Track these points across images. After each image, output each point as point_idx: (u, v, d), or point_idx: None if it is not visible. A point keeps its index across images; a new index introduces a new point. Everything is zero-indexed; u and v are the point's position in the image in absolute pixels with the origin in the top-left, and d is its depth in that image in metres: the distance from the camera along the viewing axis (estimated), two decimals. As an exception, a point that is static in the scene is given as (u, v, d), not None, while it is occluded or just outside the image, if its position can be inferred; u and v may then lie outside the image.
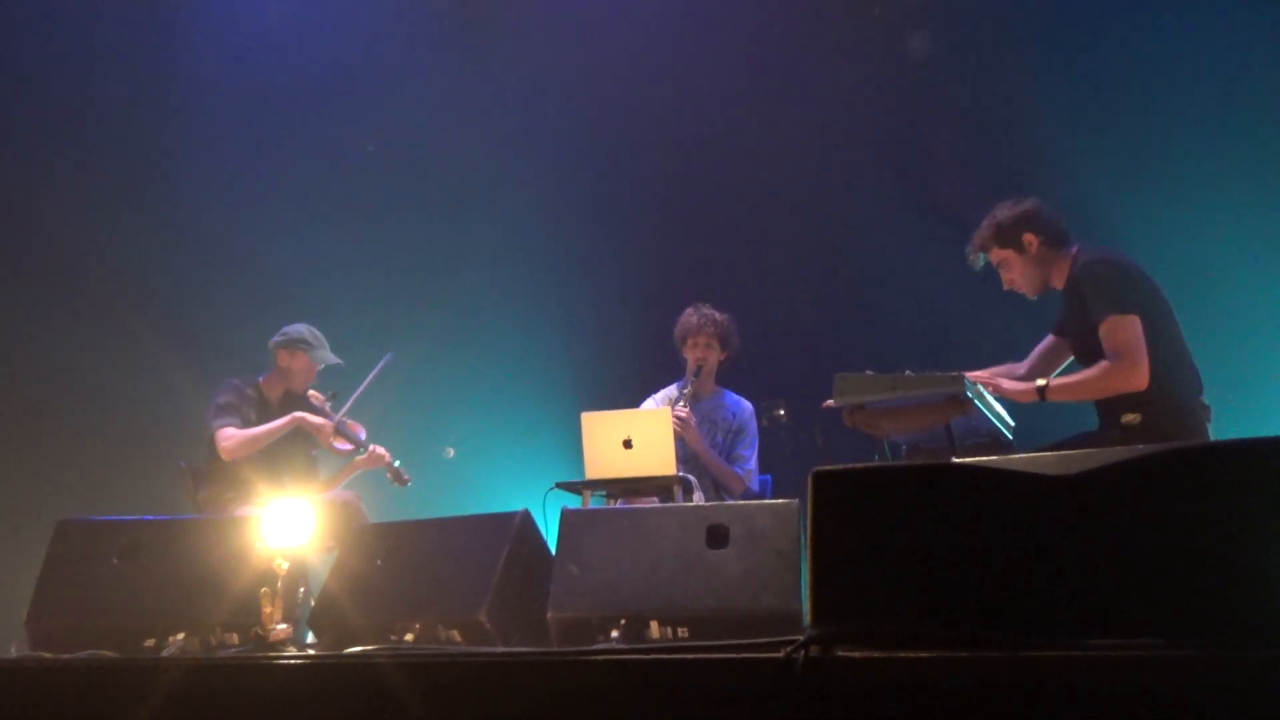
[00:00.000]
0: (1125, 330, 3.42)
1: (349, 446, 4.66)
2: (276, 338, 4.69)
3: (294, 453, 4.59)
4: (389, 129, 6.52)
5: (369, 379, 4.62)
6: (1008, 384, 3.56)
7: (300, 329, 4.68)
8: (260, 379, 4.71)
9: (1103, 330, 3.44)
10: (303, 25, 6.40)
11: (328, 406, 4.68)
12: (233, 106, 6.32)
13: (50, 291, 5.83)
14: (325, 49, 6.46)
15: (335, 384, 4.78)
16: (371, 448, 4.64)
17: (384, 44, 6.55)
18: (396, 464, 4.68)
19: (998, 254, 3.74)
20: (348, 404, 4.63)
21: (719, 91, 6.34)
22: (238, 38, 6.33)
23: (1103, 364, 3.44)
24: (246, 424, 4.50)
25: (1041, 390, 3.47)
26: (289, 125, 6.40)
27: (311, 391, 4.73)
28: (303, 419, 4.48)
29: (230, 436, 4.43)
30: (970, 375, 3.52)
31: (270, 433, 4.46)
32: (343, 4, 6.58)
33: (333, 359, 4.70)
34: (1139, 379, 3.39)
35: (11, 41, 5.90)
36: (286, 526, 3.02)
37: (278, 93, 6.38)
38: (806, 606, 1.76)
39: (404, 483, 4.68)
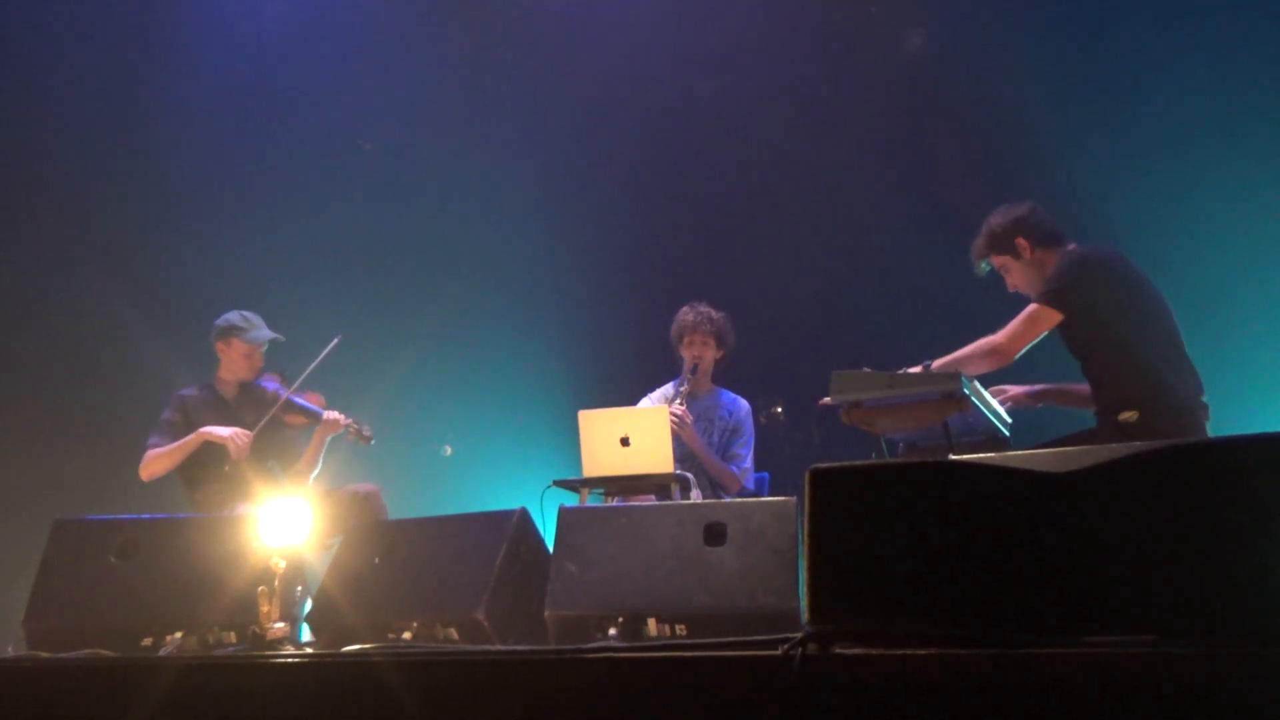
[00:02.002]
0: (1032, 318, 3.53)
1: (304, 421, 4.62)
2: (211, 334, 4.65)
3: (271, 440, 4.56)
4: (387, 127, 6.52)
5: (317, 360, 4.53)
6: (912, 371, 3.55)
7: (230, 316, 4.63)
8: (212, 380, 4.68)
9: (1027, 309, 3.55)
10: (299, 22, 6.39)
11: (284, 386, 4.64)
12: (230, 104, 6.31)
13: (46, 289, 5.82)
14: (323, 46, 6.45)
15: (284, 364, 4.70)
16: (325, 414, 4.58)
17: (382, 41, 6.54)
18: (357, 426, 4.62)
19: (996, 260, 3.83)
20: (295, 383, 4.56)
21: (716, 89, 6.33)
22: (235, 34, 6.32)
23: (983, 339, 3.56)
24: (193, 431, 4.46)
25: (926, 367, 3.50)
26: (287, 123, 6.39)
27: (268, 374, 4.68)
28: (209, 434, 4.36)
29: (151, 454, 4.41)
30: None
31: (176, 451, 4.38)
32: (341, 1, 6.58)
33: (269, 335, 4.62)
34: (999, 359, 3.54)
35: (2, 33, 5.88)
36: (283, 525, 3.02)
37: (276, 90, 6.37)
38: (804, 604, 1.76)
39: (366, 440, 4.62)
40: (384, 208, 6.47)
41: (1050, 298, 3.53)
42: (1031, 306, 3.56)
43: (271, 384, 4.64)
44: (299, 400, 4.58)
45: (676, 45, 6.37)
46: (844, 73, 6.11)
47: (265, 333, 4.62)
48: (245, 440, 4.35)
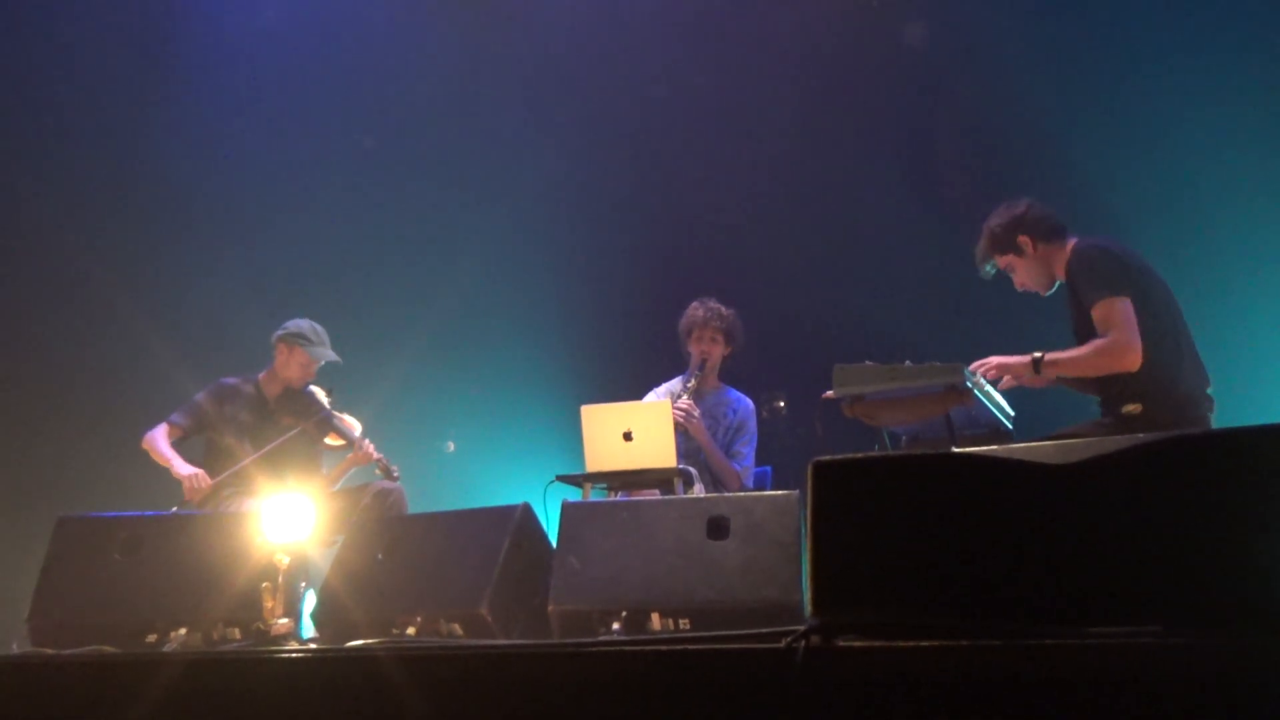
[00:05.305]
0: (1117, 311, 3.44)
1: (340, 444, 4.67)
2: (278, 331, 4.70)
3: (295, 448, 4.59)
4: (388, 122, 6.51)
5: (329, 412, 4.65)
6: (1008, 359, 3.54)
7: (301, 324, 4.68)
8: (261, 375, 4.73)
9: (1096, 313, 3.47)
10: (300, 18, 6.38)
11: (326, 402, 4.68)
12: (230, 100, 6.30)
13: (50, 287, 5.83)
14: (323, 42, 6.44)
15: (332, 380, 4.78)
16: (362, 445, 4.61)
17: (383, 37, 6.53)
18: (386, 463, 4.64)
19: (1001, 261, 3.80)
20: (335, 411, 4.66)
21: (717, 84, 6.33)
22: (236, 30, 6.31)
23: (1096, 341, 3.46)
24: (229, 425, 4.55)
25: (1037, 361, 3.47)
26: (288, 119, 6.39)
27: (313, 387, 4.73)
28: (173, 469, 4.37)
29: (154, 433, 4.47)
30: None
31: (161, 460, 4.42)
32: (340, -2, 6.58)
33: (331, 356, 4.69)
34: (1132, 358, 3.40)
35: (4, 34, 5.88)
36: (286, 521, 3.03)
37: (276, 86, 6.37)
38: (807, 597, 1.76)
39: (393, 479, 4.64)
40: (385, 203, 6.47)
41: (1110, 290, 3.46)
42: (1105, 307, 3.45)
43: (316, 394, 4.69)
44: (340, 424, 4.63)
45: (678, 40, 6.36)
46: (845, 66, 6.09)
47: (329, 353, 4.70)
48: (204, 484, 4.33)
